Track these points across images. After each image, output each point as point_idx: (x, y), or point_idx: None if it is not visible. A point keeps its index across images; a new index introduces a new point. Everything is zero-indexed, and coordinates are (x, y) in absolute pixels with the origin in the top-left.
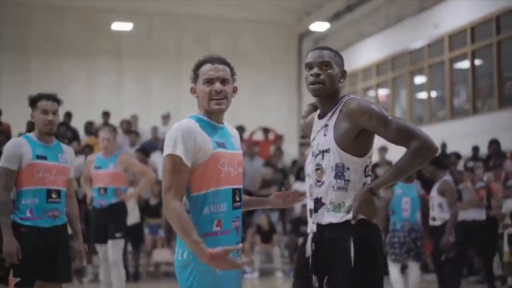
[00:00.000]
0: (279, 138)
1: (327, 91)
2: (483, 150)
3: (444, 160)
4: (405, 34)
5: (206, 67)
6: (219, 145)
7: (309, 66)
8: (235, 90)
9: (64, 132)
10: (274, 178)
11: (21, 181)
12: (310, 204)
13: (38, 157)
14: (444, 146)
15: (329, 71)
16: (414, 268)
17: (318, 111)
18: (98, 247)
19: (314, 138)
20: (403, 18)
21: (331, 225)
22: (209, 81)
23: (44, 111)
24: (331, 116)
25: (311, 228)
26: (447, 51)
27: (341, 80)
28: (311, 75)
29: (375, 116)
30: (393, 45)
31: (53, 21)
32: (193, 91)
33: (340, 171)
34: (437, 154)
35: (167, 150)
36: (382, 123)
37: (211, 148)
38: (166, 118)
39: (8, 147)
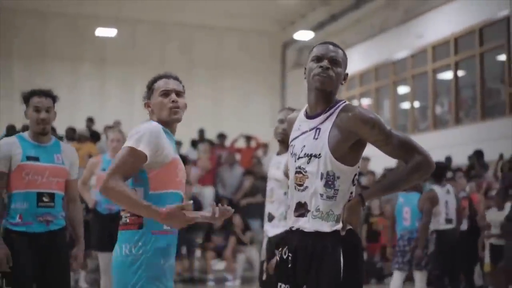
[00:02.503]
0: (261, 146)
1: (331, 88)
2: (465, 161)
3: (444, 173)
4: (389, 44)
5: (162, 81)
6: (176, 152)
7: (318, 58)
8: (185, 106)
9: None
10: (257, 186)
11: (12, 184)
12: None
13: (29, 158)
14: None
15: (337, 69)
16: (418, 277)
17: (304, 109)
18: (101, 255)
19: (296, 138)
20: (386, 28)
21: (317, 233)
22: (166, 93)
23: (36, 109)
24: (325, 119)
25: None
26: (430, 61)
27: (342, 82)
28: (320, 67)
29: (377, 127)
30: (377, 55)
31: (37, 26)
32: (147, 105)
33: (330, 180)
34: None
35: (131, 142)
36: (384, 135)
37: (172, 153)
38: (117, 124)
39: None
